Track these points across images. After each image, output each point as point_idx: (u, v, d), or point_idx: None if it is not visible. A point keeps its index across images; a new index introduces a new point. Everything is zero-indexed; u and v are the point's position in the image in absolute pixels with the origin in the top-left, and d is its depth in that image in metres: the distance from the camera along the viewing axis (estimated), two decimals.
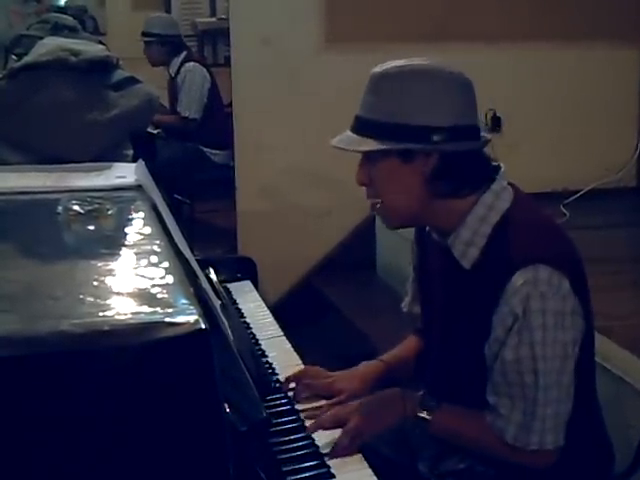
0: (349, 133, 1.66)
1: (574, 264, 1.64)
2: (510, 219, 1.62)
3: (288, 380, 1.83)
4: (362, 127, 1.63)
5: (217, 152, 5.11)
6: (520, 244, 1.59)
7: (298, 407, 1.74)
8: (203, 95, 5.21)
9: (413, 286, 1.94)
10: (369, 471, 1.55)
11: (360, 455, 1.59)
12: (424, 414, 1.66)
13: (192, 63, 5.31)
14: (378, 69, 1.64)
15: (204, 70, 5.31)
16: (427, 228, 1.78)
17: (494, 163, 1.68)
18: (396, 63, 1.64)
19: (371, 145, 1.60)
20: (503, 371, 1.59)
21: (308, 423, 1.68)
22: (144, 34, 5.32)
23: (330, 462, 1.56)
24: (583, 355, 1.63)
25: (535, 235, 1.62)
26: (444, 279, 1.73)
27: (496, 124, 3.91)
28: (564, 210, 3.71)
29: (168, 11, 7.55)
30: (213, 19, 7.84)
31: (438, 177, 1.61)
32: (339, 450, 1.59)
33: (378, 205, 1.68)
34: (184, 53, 5.37)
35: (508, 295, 1.55)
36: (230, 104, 4.16)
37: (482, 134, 1.65)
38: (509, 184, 1.68)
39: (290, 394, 1.79)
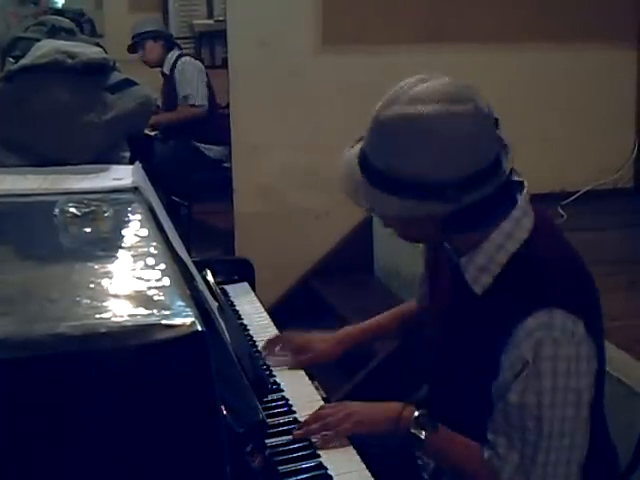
0: (356, 170, 1.53)
1: (591, 304, 1.57)
2: (528, 250, 1.53)
3: (266, 347, 1.94)
4: (373, 174, 1.50)
5: (211, 147, 5.14)
6: (536, 282, 1.51)
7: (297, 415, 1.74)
8: (204, 85, 5.26)
9: (421, 282, 1.89)
10: (367, 472, 1.55)
11: (358, 457, 1.59)
12: (418, 432, 1.62)
13: (187, 57, 5.40)
14: (389, 110, 1.48)
15: (199, 63, 5.38)
16: None
17: (517, 179, 1.57)
18: (408, 97, 1.47)
19: (389, 207, 1.49)
20: (505, 412, 1.53)
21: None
22: (137, 35, 5.34)
23: (328, 464, 1.56)
24: (594, 392, 1.56)
25: (553, 273, 1.52)
26: (453, 296, 1.66)
27: None
28: (561, 211, 3.72)
29: (165, 13, 7.55)
30: (210, 21, 7.83)
31: (455, 219, 1.50)
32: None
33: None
34: (177, 51, 5.42)
35: (520, 338, 1.48)
36: (227, 105, 4.16)
37: (503, 161, 1.51)
38: (530, 201, 1.57)
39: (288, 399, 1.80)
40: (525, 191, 1.56)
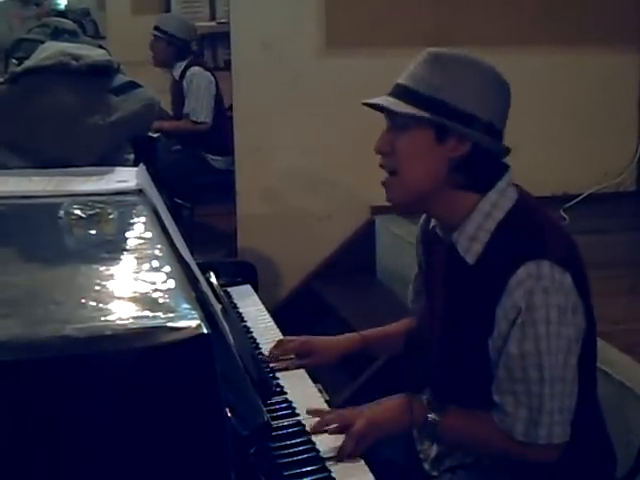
0: (386, 97, 1.66)
1: (576, 263, 1.65)
2: (514, 217, 1.65)
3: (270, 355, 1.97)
4: (404, 94, 1.64)
5: (218, 158, 5.11)
6: (523, 240, 1.61)
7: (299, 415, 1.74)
8: (211, 99, 5.20)
9: (417, 282, 1.96)
10: (370, 476, 1.55)
11: (362, 461, 1.59)
12: (433, 415, 1.65)
13: (197, 67, 5.29)
14: (439, 49, 1.68)
15: (210, 75, 5.30)
16: (431, 225, 1.78)
17: (504, 161, 1.71)
18: (451, 49, 1.68)
19: (413, 110, 1.61)
20: (507, 366, 1.59)
21: (309, 427, 1.67)
22: (155, 28, 5.30)
23: (332, 467, 1.56)
24: (585, 355, 1.64)
25: (538, 233, 1.64)
26: (448, 276, 1.74)
27: None
28: (564, 214, 3.72)
29: None
30: (213, 23, 7.83)
31: (461, 167, 1.63)
32: (343, 453, 1.59)
33: (391, 176, 1.68)
34: (189, 58, 5.36)
35: (511, 288, 1.57)
36: (230, 108, 4.17)
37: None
38: (514, 185, 1.69)
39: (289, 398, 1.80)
40: (510, 169, 1.70)
